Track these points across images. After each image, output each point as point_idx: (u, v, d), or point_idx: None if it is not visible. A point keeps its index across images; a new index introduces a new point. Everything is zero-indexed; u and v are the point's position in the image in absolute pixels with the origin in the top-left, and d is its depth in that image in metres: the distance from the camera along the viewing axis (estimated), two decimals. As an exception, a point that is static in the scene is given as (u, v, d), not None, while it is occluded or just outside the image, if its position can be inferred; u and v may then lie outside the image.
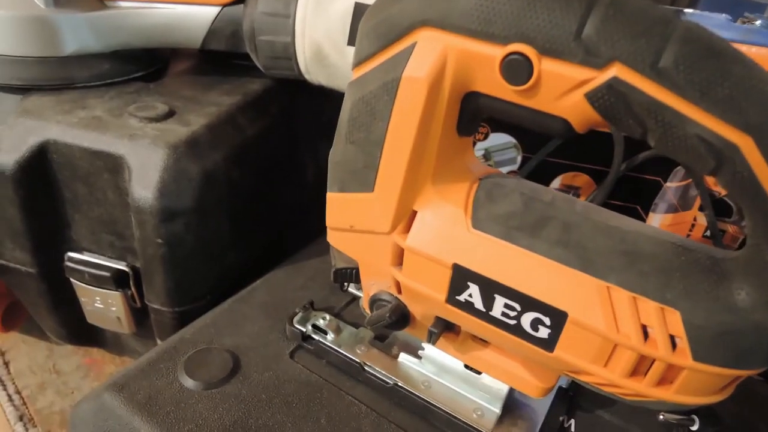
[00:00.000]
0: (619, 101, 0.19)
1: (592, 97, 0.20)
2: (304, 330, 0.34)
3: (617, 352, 0.22)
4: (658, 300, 0.21)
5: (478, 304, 0.25)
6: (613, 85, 0.19)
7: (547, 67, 0.20)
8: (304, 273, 0.41)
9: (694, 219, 0.48)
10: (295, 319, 0.34)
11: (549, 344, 0.24)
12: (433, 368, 0.32)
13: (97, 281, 0.39)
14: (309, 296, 0.37)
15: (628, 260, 0.22)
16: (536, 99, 0.21)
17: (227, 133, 0.39)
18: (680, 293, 0.21)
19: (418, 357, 0.32)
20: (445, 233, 0.25)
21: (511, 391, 0.31)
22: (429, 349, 0.32)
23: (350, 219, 0.27)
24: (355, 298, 0.39)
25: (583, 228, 0.23)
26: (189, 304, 0.38)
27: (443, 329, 0.28)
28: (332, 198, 0.28)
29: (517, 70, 0.20)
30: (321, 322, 0.34)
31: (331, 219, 0.28)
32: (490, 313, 0.24)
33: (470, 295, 0.25)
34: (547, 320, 0.23)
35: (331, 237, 0.30)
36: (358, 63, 0.24)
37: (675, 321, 0.21)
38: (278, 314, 0.36)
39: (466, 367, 0.31)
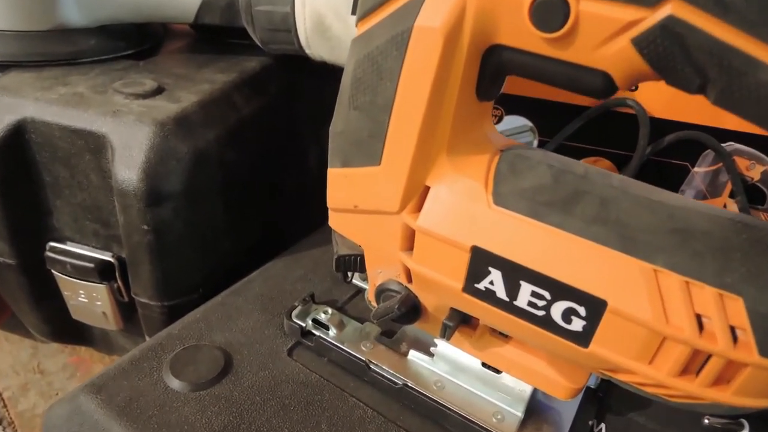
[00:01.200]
0: (674, 45, 0.16)
1: (641, 43, 0.17)
2: (303, 325, 0.31)
3: (666, 347, 0.19)
4: (715, 285, 0.18)
5: (501, 292, 0.22)
6: (668, 25, 0.16)
7: (586, 8, 0.17)
8: (304, 264, 0.38)
9: (724, 206, 0.45)
10: (294, 313, 0.32)
11: (584, 338, 0.21)
12: (447, 367, 0.29)
13: (81, 273, 0.37)
14: (309, 288, 0.35)
15: (678, 239, 0.19)
16: (572, 49, 0.18)
17: (221, 111, 0.36)
18: (742, 276, 0.18)
19: (430, 354, 0.29)
20: (462, 211, 0.22)
21: (535, 392, 0.28)
22: (442, 346, 0.29)
23: (354, 198, 0.24)
24: (360, 291, 0.36)
25: (623, 203, 0.20)
26: (179, 297, 0.36)
27: (459, 322, 0.25)
28: (334, 174, 0.25)
29: (549, 13, 0.17)
30: (322, 317, 0.31)
31: (332, 199, 0.25)
32: (515, 303, 0.22)
33: (491, 283, 0.22)
34: (581, 310, 0.20)
35: (333, 220, 0.27)
36: (362, 15, 0.21)
37: (737, 309, 0.18)
38: (275, 308, 0.34)
39: (484, 365, 0.28)
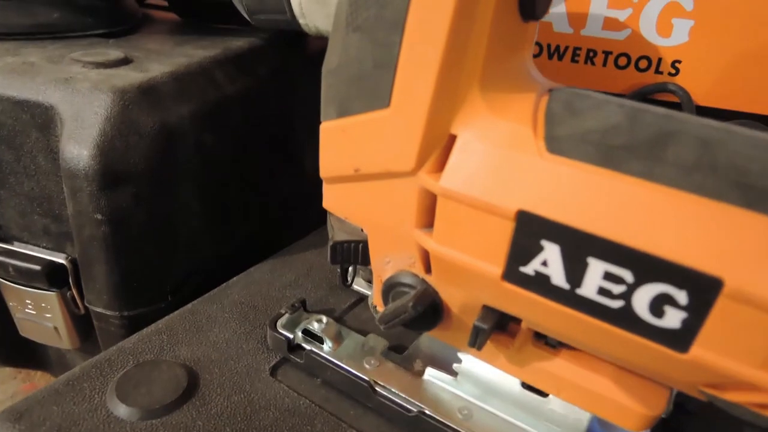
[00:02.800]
0: None
1: None
2: (291, 337, 0.25)
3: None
4: None
5: (558, 277, 0.16)
6: None
7: None
8: (295, 268, 0.32)
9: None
10: (280, 322, 0.25)
11: (682, 339, 0.15)
12: (475, 389, 0.23)
13: (27, 278, 0.31)
14: (300, 295, 0.29)
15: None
16: None
17: (198, 85, 0.31)
18: None
19: (453, 373, 0.23)
20: (502, 163, 0.16)
21: (593, 420, 0.21)
22: (469, 362, 0.23)
23: (354, 158, 0.19)
24: (363, 299, 0.30)
25: (731, 145, 0.14)
26: (142, 306, 0.30)
27: (494, 326, 0.19)
28: (328, 130, 0.19)
29: None
30: (315, 326, 0.25)
31: (326, 164, 0.20)
32: (578, 291, 0.16)
33: (544, 263, 0.16)
34: (681, 296, 0.14)
35: (328, 197, 0.21)
36: None
37: None
38: (258, 318, 0.28)
39: (525, 386, 0.22)
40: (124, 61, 0.31)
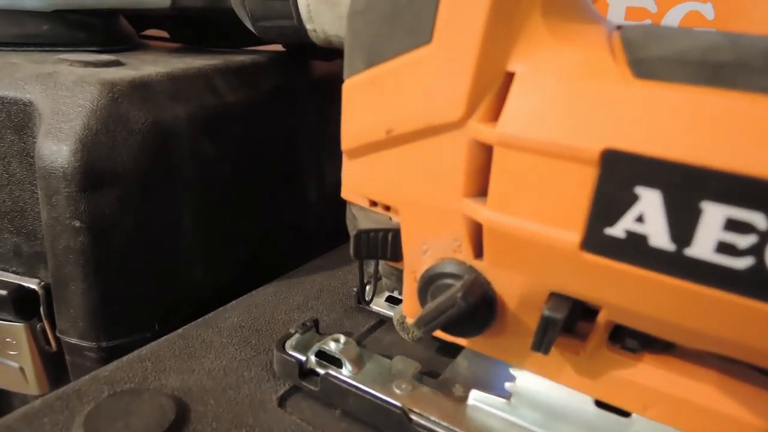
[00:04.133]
0: None
1: None
2: (303, 360, 0.21)
3: None
4: None
5: (659, 234, 0.13)
6: None
7: None
8: (303, 290, 0.28)
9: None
10: (290, 343, 0.22)
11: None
12: (535, 414, 0.19)
13: (-10, 307, 0.27)
14: (311, 318, 0.25)
15: None
16: None
17: (196, 88, 0.28)
18: None
19: (504, 395, 0.19)
20: (577, 96, 0.13)
21: (692, 449, 0.17)
22: (524, 380, 0.19)
23: (386, 116, 0.16)
24: (383, 321, 0.26)
25: None
26: (125, 335, 0.26)
27: (568, 317, 0.15)
28: (353, 87, 0.16)
29: None
30: (332, 346, 0.21)
31: (350, 131, 0.17)
32: (687, 251, 0.12)
33: (639, 218, 0.13)
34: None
35: (350, 176, 0.18)
36: None
37: None
38: (262, 343, 0.24)
39: (600, 405, 0.18)
40: (116, 63, 0.28)
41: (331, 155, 0.42)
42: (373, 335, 0.25)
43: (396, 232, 0.18)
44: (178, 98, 0.27)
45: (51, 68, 0.26)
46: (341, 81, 0.17)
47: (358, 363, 0.21)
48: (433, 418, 0.19)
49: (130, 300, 0.26)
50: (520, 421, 0.19)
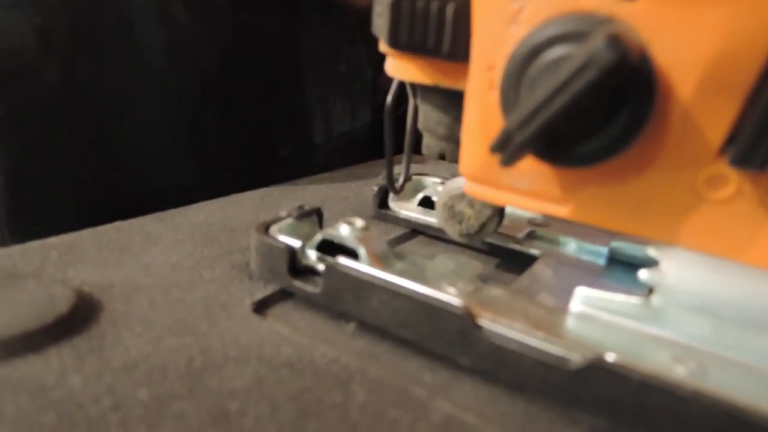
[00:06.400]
0: None
1: None
2: (295, 247, 0.13)
3: None
4: None
5: None
6: None
7: None
8: (303, 197, 0.21)
9: None
10: (277, 227, 0.14)
11: None
12: (694, 319, 0.11)
13: None
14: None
15: None
16: None
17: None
18: None
19: (637, 293, 0.11)
20: None
21: None
22: (677, 265, 0.11)
23: None
24: (417, 233, 0.18)
25: None
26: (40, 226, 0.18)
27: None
28: None
29: None
30: (344, 232, 0.14)
31: None
32: None
33: None
34: None
35: None
36: None
37: None
38: (237, 240, 0.16)
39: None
40: None
41: (343, 99, 0.34)
42: (400, 249, 0.18)
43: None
44: None
45: None
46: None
47: (383, 262, 0.14)
48: (518, 327, 0.11)
49: (55, 176, 0.18)
50: (669, 332, 0.11)
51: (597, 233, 0.17)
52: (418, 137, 0.16)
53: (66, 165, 0.19)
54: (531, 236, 0.17)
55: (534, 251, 0.16)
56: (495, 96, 0.11)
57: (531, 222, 0.18)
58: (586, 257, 0.16)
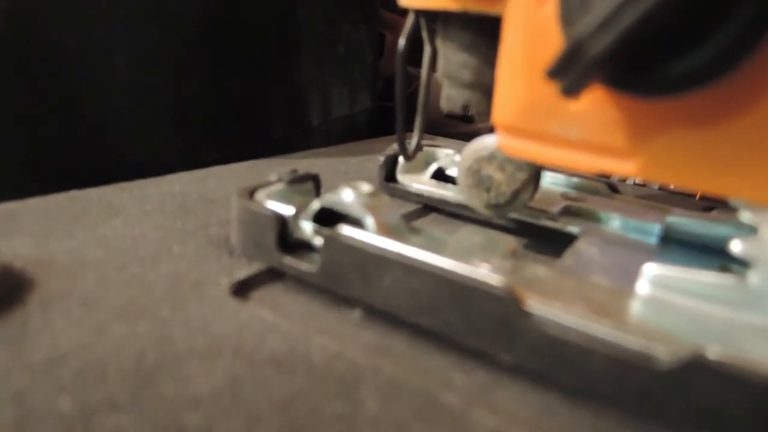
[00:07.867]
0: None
1: None
2: (287, 216, 0.10)
3: None
4: None
5: None
6: None
7: None
8: (297, 169, 0.18)
9: None
10: (263, 192, 0.11)
11: None
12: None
13: None
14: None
15: None
16: None
17: None
18: None
19: (727, 269, 0.09)
20: None
21: None
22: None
23: None
24: (430, 209, 0.16)
25: None
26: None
27: None
28: None
29: None
30: (347, 197, 0.11)
31: None
32: None
33: None
34: None
35: None
36: None
37: None
38: (215, 212, 0.13)
39: None
40: None
41: (342, 81, 0.32)
42: (413, 224, 0.15)
43: None
44: None
45: None
46: None
47: (396, 235, 0.11)
48: (577, 312, 0.08)
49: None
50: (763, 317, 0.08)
51: (642, 209, 0.15)
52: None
53: (19, 123, 0.16)
54: (566, 212, 0.15)
55: (571, 229, 0.14)
56: (547, 11, 0.09)
57: (564, 196, 0.15)
58: (633, 235, 0.14)
